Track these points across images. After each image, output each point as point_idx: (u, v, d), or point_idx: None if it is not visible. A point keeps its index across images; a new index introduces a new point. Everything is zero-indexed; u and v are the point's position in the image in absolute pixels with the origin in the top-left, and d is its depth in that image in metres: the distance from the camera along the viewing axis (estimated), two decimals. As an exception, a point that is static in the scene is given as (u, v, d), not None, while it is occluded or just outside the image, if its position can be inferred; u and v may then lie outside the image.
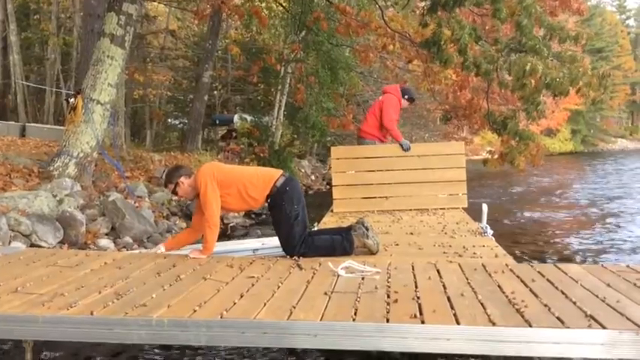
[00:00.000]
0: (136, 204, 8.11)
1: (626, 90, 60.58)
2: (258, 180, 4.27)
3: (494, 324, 2.50)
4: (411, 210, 6.81)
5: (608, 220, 10.75)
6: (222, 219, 4.33)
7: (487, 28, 10.47)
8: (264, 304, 2.82)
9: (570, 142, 52.81)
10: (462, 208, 6.84)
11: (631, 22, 75.04)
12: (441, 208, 6.79)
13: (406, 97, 7.44)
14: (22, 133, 14.04)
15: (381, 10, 12.57)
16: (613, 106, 58.00)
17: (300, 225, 4.19)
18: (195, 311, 2.72)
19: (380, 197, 6.97)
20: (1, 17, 17.60)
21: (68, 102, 8.57)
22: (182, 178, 4.28)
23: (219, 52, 20.48)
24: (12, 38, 16.90)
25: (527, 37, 9.07)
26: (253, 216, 10.39)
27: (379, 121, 7.30)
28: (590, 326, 2.47)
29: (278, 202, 4.22)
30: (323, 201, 10.69)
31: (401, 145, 7.12)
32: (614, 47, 59.68)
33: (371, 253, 4.21)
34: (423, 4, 11.56)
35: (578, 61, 8.80)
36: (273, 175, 4.32)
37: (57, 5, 19.04)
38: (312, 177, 19.53)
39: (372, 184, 7.06)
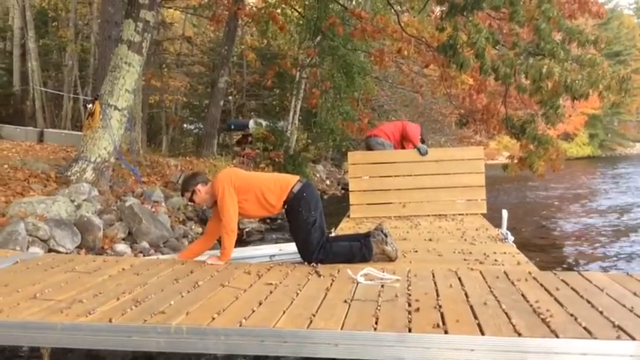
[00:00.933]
0: (153, 209, 8.12)
1: (645, 94, 59.84)
2: (275, 186, 4.24)
3: (519, 334, 2.44)
4: (429, 216, 6.74)
5: (627, 226, 10.57)
6: (237, 224, 4.31)
7: (505, 31, 10.38)
8: (284, 312, 2.78)
9: (588, 147, 52.32)
10: (481, 214, 6.76)
11: (649, 25, 74.03)
12: (459, 214, 6.71)
13: (421, 137, 7.53)
14: (40, 139, 14.18)
15: (397, 14, 12.54)
16: (631, 110, 57.25)
17: (317, 231, 4.15)
18: (213, 319, 2.69)
19: (397, 203, 6.91)
20: (20, 24, 17.84)
21: (86, 108, 8.63)
22: (199, 186, 4.25)
23: (235, 57, 20.58)
24: (30, 45, 17.11)
25: (545, 40, 8.97)
26: (268, 221, 10.37)
27: (400, 134, 7.37)
28: (618, 337, 2.40)
29: (295, 208, 4.18)
30: (338, 206, 10.65)
31: (418, 150, 7.07)
32: (631, 51, 58.92)
33: (390, 259, 4.16)
34: (438, 8, 11.50)
35: (598, 64, 8.67)
36: (290, 180, 4.28)
37: (75, 12, 19.25)
38: (327, 182, 19.49)
39: (389, 190, 6.99)
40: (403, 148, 7.53)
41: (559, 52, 8.77)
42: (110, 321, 2.68)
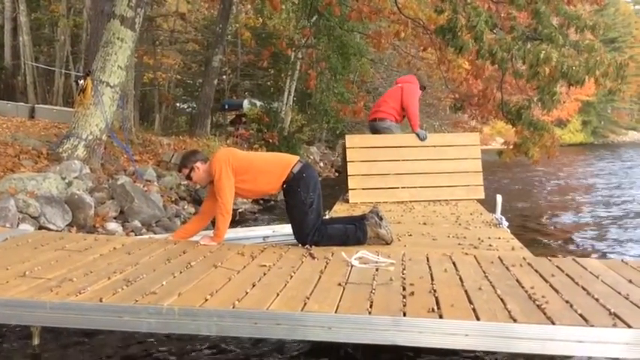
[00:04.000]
0: (145, 188, 8.05)
1: (639, 81, 59.80)
2: (275, 166, 4.19)
3: (515, 320, 2.42)
4: (424, 200, 6.69)
5: (623, 213, 10.61)
6: (231, 205, 4.29)
7: (503, 15, 10.27)
8: (277, 295, 2.75)
9: (581, 134, 52.49)
10: (477, 200, 6.72)
11: (645, 12, 73.83)
12: (458, 200, 6.66)
13: (422, 85, 7.50)
14: (32, 115, 13.96)
15: (394, -5, 12.38)
16: (625, 97, 57.29)
17: (314, 213, 4.11)
18: (206, 300, 2.66)
19: (396, 188, 6.81)
20: (11, -2, 17.51)
21: (78, 84, 8.50)
22: (198, 163, 4.18)
23: (230, 36, 20.32)
24: (22, 19, 16.82)
25: (543, 25, 8.90)
26: (262, 202, 10.33)
27: (400, 106, 7.17)
28: (615, 325, 2.39)
29: (294, 188, 4.13)
30: (332, 189, 10.60)
31: (417, 135, 6.99)
32: (627, 38, 58.87)
33: (385, 242, 4.13)
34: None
35: (596, 50, 8.61)
36: (290, 160, 4.23)
37: (67, -14, 18.91)
38: (321, 164, 19.43)
39: (388, 175, 6.86)
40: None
41: (557, 37, 8.70)
42: (101, 300, 2.64)
